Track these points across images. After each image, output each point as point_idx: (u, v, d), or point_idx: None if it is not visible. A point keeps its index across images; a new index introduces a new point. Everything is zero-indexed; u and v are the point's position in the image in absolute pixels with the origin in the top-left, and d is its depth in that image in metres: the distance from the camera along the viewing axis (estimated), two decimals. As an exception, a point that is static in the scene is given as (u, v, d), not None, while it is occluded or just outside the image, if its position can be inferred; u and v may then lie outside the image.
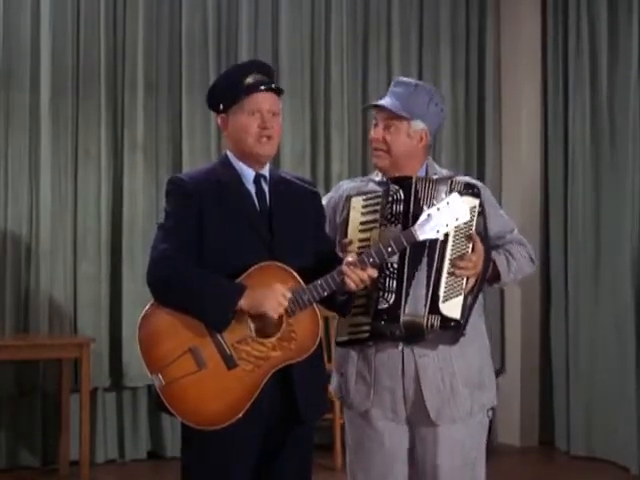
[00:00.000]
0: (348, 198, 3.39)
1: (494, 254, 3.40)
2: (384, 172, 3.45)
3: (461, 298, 3.27)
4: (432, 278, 3.24)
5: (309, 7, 6.92)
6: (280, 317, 3.02)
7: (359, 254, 3.11)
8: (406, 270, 3.24)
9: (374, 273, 3.08)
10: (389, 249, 3.08)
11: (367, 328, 3.29)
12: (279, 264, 3.05)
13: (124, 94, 6.49)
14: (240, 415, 2.98)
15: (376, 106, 3.45)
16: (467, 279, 3.27)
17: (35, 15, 6.30)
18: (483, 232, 3.32)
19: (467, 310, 3.28)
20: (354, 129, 7.01)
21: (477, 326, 3.41)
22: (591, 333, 6.63)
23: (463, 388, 3.36)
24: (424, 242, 3.19)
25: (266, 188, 3.17)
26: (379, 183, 3.44)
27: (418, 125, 3.40)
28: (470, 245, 3.27)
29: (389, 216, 3.29)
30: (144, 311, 3.05)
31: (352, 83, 7.01)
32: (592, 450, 6.62)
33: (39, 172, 6.28)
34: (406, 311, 3.24)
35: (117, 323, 6.41)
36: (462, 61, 7.28)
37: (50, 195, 6.28)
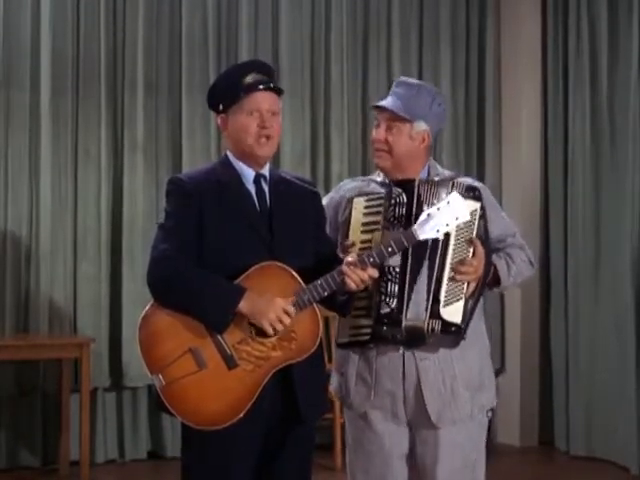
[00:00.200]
0: (350, 199, 3.39)
1: (494, 258, 3.39)
2: (386, 173, 3.44)
3: (462, 303, 3.26)
4: (433, 282, 3.24)
5: (309, 7, 6.92)
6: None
7: (360, 255, 3.11)
8: (408, 274, 3.24)
9: (375, 273, 3.07)
10: (389, 249, 3.07)
11: (368, 331, 3.28)
12: (279, 264, 3.05)
13: (124, 94, 6.49)
14: (241, 415, 2.97)
15: (378, 107, 3.44)
16: (468, 284, 3.27)
17: (35, 15, 6.30)
18: (484, 236, 3.31)
19: (468, 315, 3.28)
20: (354, 129, 7.01)
21: (477, 328, 3.40)
22: (591, 333, 6.63)
23: (464, 391, 3.35)
24: (426, 246, 3.20)
25: (266, 188, 3.17)
26: (381, 184, 3.43)
27: (420, 126, 3.39)
28: (471, 249, 3.27)
29: (392, 219, 3.28)
30: (144, 311, 3.04)
31: (352, 83, 7.01)
32: (592, 450, 6.62)
33: (39, 172, 6.28)
34: (408, 316, 3.24)
35: (117, 323, 6.41)
36: (462, 61, 7.28)
37: (50, 195, 6.28)
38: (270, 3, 6.84)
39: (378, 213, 3.32)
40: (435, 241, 3.21)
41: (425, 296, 3.24)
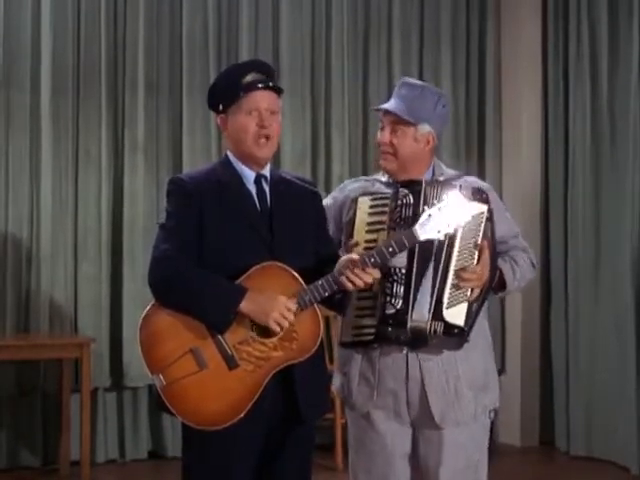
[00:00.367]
0: (355, 198, 3.38)
1: (500, 262, 3.38)
2: (391, 175, 3.43)
3: (465, 305, 3.26)
4: (437, 284, 3.24)
5: (310, 7, 6.92)
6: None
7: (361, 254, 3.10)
8: (414, 276, 3.24)
9: (376, 273, 3.06)
10: (390, 249, 3.06)
11: (372, 331, 3.28)
12: (280, 264, 3.05)
13: (125, 94, 6.49)
14: (242, 415, 2.97)
15: (382, 110, 3.44)
16: (472, 289, 3.26)
17: (35, 15, 6.30)
18: (491, 239, 3.30)
19: (472, 317, 3.28)
20: (355, 129, 7.01)
21: (481, 328, 3.40)
22: (591, 333, 6.63)
23: (467, 391, 3.35)
24: (432, 247, 3.20)
25: (267, 188, 3.17)
26: (387, 184, 3.42)
27: (425, 129, 3.38)
28: (476, 255, 3.25)
29: (398, 220, 3.28)
30: (145, 311, 3.04)
31: (353, 83, 7.01)
32: (592, 450, 6.62)
33: (40, 172, 6.28)
34: (413, 317, 3.24)
35: (118, 323, 6.41)
36: (462, 64, 7.28)
37: (51, 196, 6.28)
38: (271, 3, 6.84)
39: (383, 213, 3.31)
40: (441, 243, 3.20)
41: (428, 297, 3.24)
